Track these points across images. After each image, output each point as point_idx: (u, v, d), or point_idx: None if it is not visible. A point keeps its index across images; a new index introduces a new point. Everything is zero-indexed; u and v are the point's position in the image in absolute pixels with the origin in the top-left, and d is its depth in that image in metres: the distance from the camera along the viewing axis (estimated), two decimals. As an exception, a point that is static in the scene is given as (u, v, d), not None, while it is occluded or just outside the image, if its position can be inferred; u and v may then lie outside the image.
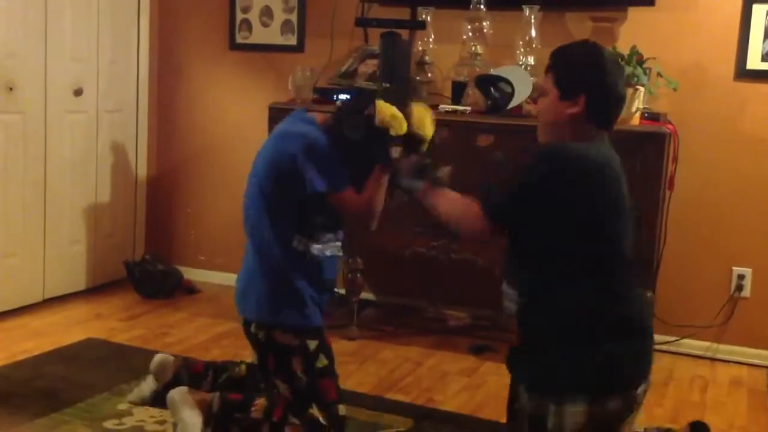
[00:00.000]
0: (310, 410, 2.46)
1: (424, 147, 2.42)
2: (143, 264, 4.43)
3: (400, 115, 2.40)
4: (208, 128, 4.69)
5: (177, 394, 2.58)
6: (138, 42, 4.61)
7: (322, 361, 2.49)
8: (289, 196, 2.46)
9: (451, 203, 2.16)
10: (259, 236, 2.52)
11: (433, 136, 2.49)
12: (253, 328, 2.55)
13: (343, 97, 3.87)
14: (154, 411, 2.89)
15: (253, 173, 2.57)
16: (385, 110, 2.38)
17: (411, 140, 2.43)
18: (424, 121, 2.46)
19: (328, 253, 2.55)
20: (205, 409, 2.54)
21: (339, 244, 2.62)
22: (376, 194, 2.47)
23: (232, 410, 2.53)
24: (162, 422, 2.82)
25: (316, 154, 2.42)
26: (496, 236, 2.03)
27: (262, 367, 2.58)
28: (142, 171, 4.72)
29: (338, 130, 2.47)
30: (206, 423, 2.53)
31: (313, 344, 2.48)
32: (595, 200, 1.90)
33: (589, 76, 1.98)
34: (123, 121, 4.57)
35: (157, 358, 2.83)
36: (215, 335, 3.81)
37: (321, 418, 2.45)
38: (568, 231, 1.88)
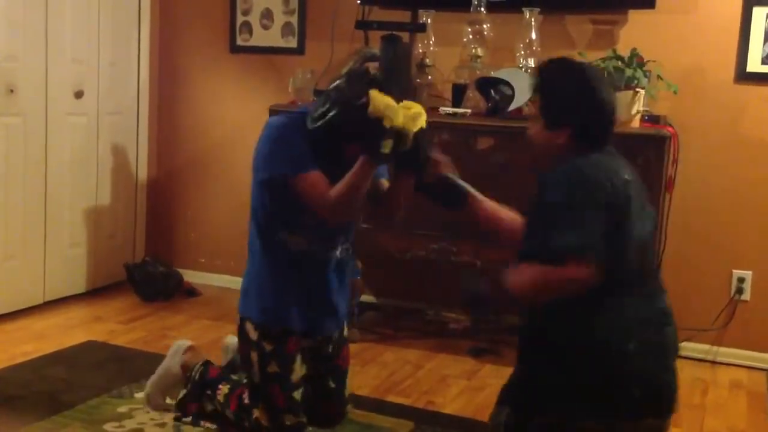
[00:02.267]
0: (256, 411, 2.42)
1: (408, 144, 2.17)
2: (143, 266, 4.43)
3: (395, 105, 2.17)
4: (208, 131, 4.69)
5: (178, 344, 2.74)
6: (138, 44, 4.61)
7: (272, 368, 2.40)
8: (262, 189, 2.38)
9: (525, 275, 1.88)
10: (251, 232, 2.49)
11: (425, 134, 2.24)
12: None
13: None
14: (155, 413, 2.89)
15: None
16: (380, 99, 2.16)
17: (399, 135, 2.18)
18: (412, 115, 2.20)
19: (311, 250, 2.39)
20: (185, 370, 2.65)
21: (331, 245, 2.41)
22: (353, 185, 2.21)
23: (205, 385, 2.58)
24: (162, 425, 2.82)
25: (277, 139, 2.30)
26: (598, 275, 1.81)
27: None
28: (143, 173, 4.72)
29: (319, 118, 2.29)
30: (183, 384, 2.65)
31: (268, 347, 2.39)
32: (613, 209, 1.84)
33: (572, 106, 1.91)
34: (123, 124, 4.57)
35: (228, 338, 2.84)
36: (215, 338, 3.79)
37: (263, 421, 2.41)
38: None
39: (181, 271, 4.60)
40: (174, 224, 4.81)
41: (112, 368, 3.33)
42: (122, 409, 2.93)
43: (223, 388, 2.54)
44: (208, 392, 2.57)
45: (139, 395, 3.04)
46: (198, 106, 4.70)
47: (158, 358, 3.42)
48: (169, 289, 4.40)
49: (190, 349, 2.73)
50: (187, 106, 4.73)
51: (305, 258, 2.38)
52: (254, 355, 2.42)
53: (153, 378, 2.75)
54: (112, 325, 3.93)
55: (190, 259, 4.74)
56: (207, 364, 2.67)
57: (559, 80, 1.99)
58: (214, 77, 4.65)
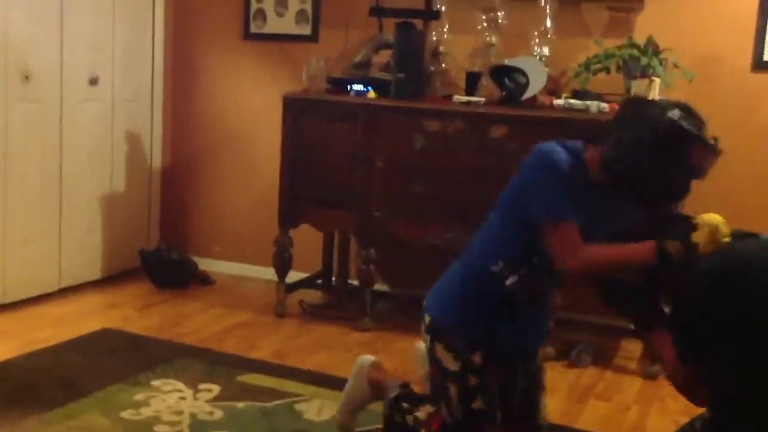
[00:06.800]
0: None
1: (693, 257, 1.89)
2: (158, 253, 4.44)
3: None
4: (222, 118, 4.69)
5: (361, 362, 2.66)
6: (153, 31, 4.61)
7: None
8: (514, 215, 2.18)
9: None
10: (474, 244, 2.30)
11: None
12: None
13: (357, 87, 3.86)
14: (171, 401, 2.92)
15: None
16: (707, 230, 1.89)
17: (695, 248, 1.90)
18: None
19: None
20: (377, 386, 2.58)
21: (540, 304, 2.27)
22: (618, 261, 2.03)
23: (404, 399, 2.48)
24: (179, 412, 2.84)
25: (550, 175, 2.09)
26: None
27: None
28: (157, 160, 4.73)
29: (614, 174, 2.10)
30: (376, 398, 2.59)
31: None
32: None
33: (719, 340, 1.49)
34: (138, 110, 4.58)
35: (359, 359, 2.71)
36: (229, 326, 3.83)
37: None
38: None
39: (195, 258, 4.62)
40: (188, 211, 4.82)
41: (129, 356, 3.36)
42: (139, 396, 2.95)
43: (427, 407, 2.38)
44: (404, 405, 2.44)
45: (156, 383, 3.07)
46: (212, 93, 4.70)
47: (173, 345, 3.48)
48: (184, 276, 4.42)
49: (374, 365, 2.65)
50: (201, 93, 4.73)
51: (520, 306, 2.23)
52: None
53: (341, 401, 2.67)
54: (127, 312, 3.96)
55: (205, 246, 4.76)
56: (405, 384, 2.56)
57: (708, 301, 1.56)
58: (228, 64, 4.64)
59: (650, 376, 3.38)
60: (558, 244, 2.07)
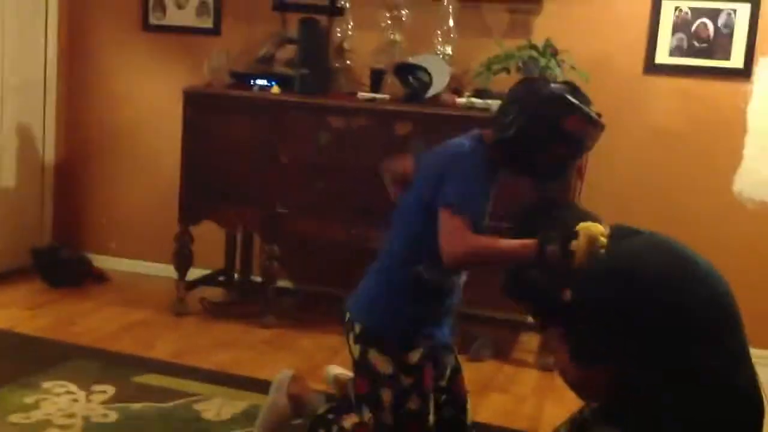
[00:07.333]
0: None
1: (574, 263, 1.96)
2: (50, 251, 4.27)
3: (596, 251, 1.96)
4: (120, 111, 4.54)
5: (281, 376, 2.56)
6: (46, 18, 4.42)
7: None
8: (428, 212, 2.15)
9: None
10: (391, 245, 2.30)
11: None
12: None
13: (261, 82, 3.81)
14: (63, 404, 2.81)
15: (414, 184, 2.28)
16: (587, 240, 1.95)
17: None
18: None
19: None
20: (297, 401, 2.50)
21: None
22: (494, 251, 2.07)
23: (330, 411, 2.41)
24: (71, 415, 2.73)
25: (461, 164, 2.13)
26: None
27: None
28: (50, 154, 4.54)
29: (507, 157, 2.17)
30: (298, 414, 2.50)
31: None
32: None
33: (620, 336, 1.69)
34: (30, 102, 4.38)
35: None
36: (126, 325, 3.71)
37: None
38: None
39: (90, 256, 4.46)
40: (83, 207, 4.65)
41: (19, 357, 3.21)
42: (29, 399, 2.83)
43: (353, 417, 2.31)
44: (330, 416, 2.38)
45: (47, 385, 2.94)
46: (109, 85, 4.55)
47: (66, 346, 3.35)
48: (78, 274, 4.26)
49: (294, 379, 2.55)
50: (98, 85, 4.56)
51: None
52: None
53: (259, 418, 2.55)
54: (18, 312, 3.78)
55: (100, 243, 4.60)
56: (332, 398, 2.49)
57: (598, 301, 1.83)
58: (126, 57, 4.50)
59: (547, 369, 3.47)
60: (449, 233, 2.07)
